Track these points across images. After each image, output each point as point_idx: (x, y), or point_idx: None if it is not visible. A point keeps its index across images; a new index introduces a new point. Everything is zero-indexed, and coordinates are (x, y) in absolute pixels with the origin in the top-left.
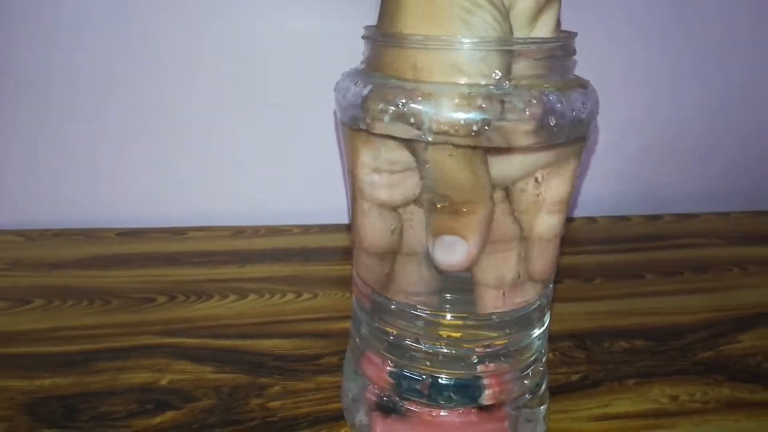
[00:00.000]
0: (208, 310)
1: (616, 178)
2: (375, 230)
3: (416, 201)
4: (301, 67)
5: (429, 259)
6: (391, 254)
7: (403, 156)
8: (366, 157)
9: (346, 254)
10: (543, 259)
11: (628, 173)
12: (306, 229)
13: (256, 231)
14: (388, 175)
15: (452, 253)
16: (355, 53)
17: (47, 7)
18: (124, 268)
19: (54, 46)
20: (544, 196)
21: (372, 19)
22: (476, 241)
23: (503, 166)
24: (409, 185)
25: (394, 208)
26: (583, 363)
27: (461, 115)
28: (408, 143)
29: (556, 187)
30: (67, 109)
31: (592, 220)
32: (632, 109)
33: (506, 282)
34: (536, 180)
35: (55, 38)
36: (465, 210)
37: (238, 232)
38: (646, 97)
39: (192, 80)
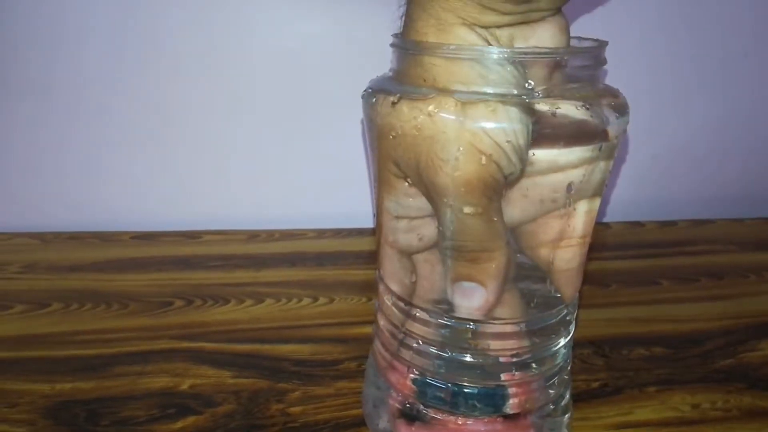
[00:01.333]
0: (226, 314)
1: (629, 184)
2: (395, 274)
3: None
4: (316, 72)
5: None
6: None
7: (422, 202)
8: (389, 203)
9: (362, 258)
10: (572, 285)
11: (641, 179)
12: (321, 233)
13: (270, 235)
14: (407, 221)
15: (471, 299)
16: (371, 57)
17: (54, 12)
18: (140, 271)
19: (70, 53)
20: (575, 204)
21: (385, 24)
22: (494, 287)
23: (537, 184)
24: (427, 232)
25: (413, 254)
26: (602, 370)
27: (494, 124)
28: (425, 192)
29: (584, 196)
30: (83, 113)
31: (606, 225)
32: (646, 116)
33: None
34: (568, 190)
35: (73, 45)
36: (482, 257)
37: (253, 236)
38: (660, 104)
39: (208, 84)
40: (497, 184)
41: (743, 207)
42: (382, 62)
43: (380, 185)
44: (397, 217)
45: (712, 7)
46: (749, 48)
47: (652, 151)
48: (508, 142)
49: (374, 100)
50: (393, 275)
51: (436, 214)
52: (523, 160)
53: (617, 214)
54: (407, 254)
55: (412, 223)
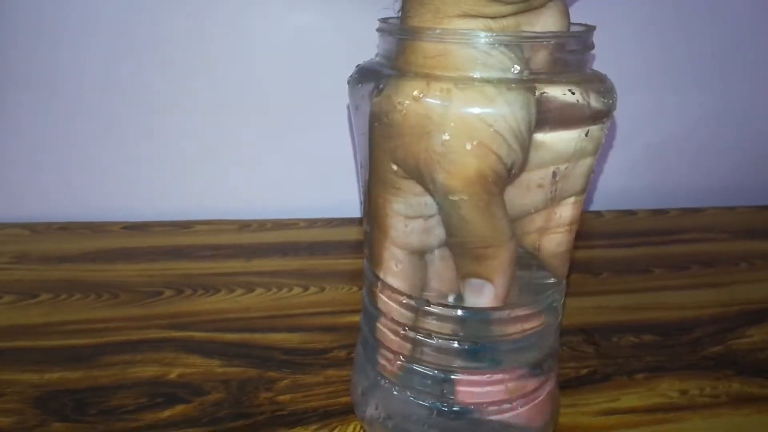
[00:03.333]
0: (216, 303)
1: (622, 173)
2: (403, 275)
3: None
4: (307, 62)
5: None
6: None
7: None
8: (398, 205)
9: (352, 248)
10: (561, 266)
11: (634, 168)
12: (312, 223)
13: (262, 225)
14: (423, 221)
15: (481, 296)
16: (361, 48)
17: (53, 7)
18: (130, 261)
19: (61, 42)
20: (561, 193)
21: (378, 13)
22: (502, 282)
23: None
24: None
25: (426, 253)
26: (592, 357)
27: (479, 110)
28: (428, 188)
29: (572, 186)
30: (73, 104)
31: (598, 214)
32: (639, 105)
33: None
34: (554, 176)
35: (63, 34)
36: (488, 253)
37: (244, 225)
38: (654, 94)
39: (198, 74)
40: (497, 177)
41: (735, 196)
42: (372, 55)
43: (383, 188)
44: (410, 218)
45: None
46: (743, 41)
47: (645, 140)
48: (506, 127)
49: (360, 85)
50: (404, 278)
51: (440, 210)
52: (525, 148)
53: (609, 203)
54: (420, 254)
55: (428, 222)
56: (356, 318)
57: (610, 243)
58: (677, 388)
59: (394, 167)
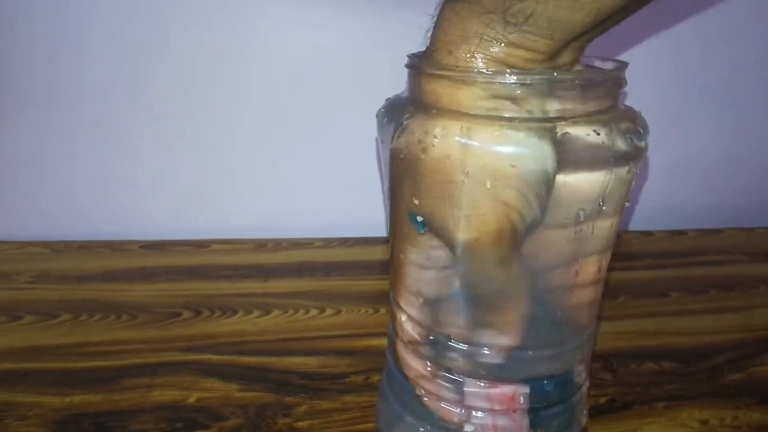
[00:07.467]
0: (233, 325)
1: (639, 193)
2: (424, 312)
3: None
4: (325, 82)
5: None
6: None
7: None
8: (414, 256)
9: (369, 269)
10: (584, 317)
11: (650, 188)
12: (327, 243)
13: (278, 244)
14: (435, 272)
15: (498, 342)
16: (376, 68)
17: (76, 22)
18: (148, 281)
19: (79, 61)
20: (592, 229)
21: (390, 34)
22: (516, 332)
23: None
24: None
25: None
26: (610, 385)
27: (503, 149)
28: (446, 242)
29: (602, 226)
30: (91, 123)
31: None
32: (655, 125)
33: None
34: (578, 217)
35: (81, 53)
36: (503, 305)
37: (260, 245)
38: (669, 113)
39: (215, 94)
40: (516, 232)
41: (753, 216)
42: (386, 74)
43: (402, 239)
44: (424, 268)
45: (721, 16)
46: (759, 56)
47: (661, 160)
48: (524, 176)
49: (385, 120)
50: (425, 314)
51: (456, 264)
52: (543, 203)
53: (626, 223)
54: (434, 302)
55: (441, 273)
56: (373, 341)
57: (627, 265)
58: (697, 418)
59: (420, 219)
